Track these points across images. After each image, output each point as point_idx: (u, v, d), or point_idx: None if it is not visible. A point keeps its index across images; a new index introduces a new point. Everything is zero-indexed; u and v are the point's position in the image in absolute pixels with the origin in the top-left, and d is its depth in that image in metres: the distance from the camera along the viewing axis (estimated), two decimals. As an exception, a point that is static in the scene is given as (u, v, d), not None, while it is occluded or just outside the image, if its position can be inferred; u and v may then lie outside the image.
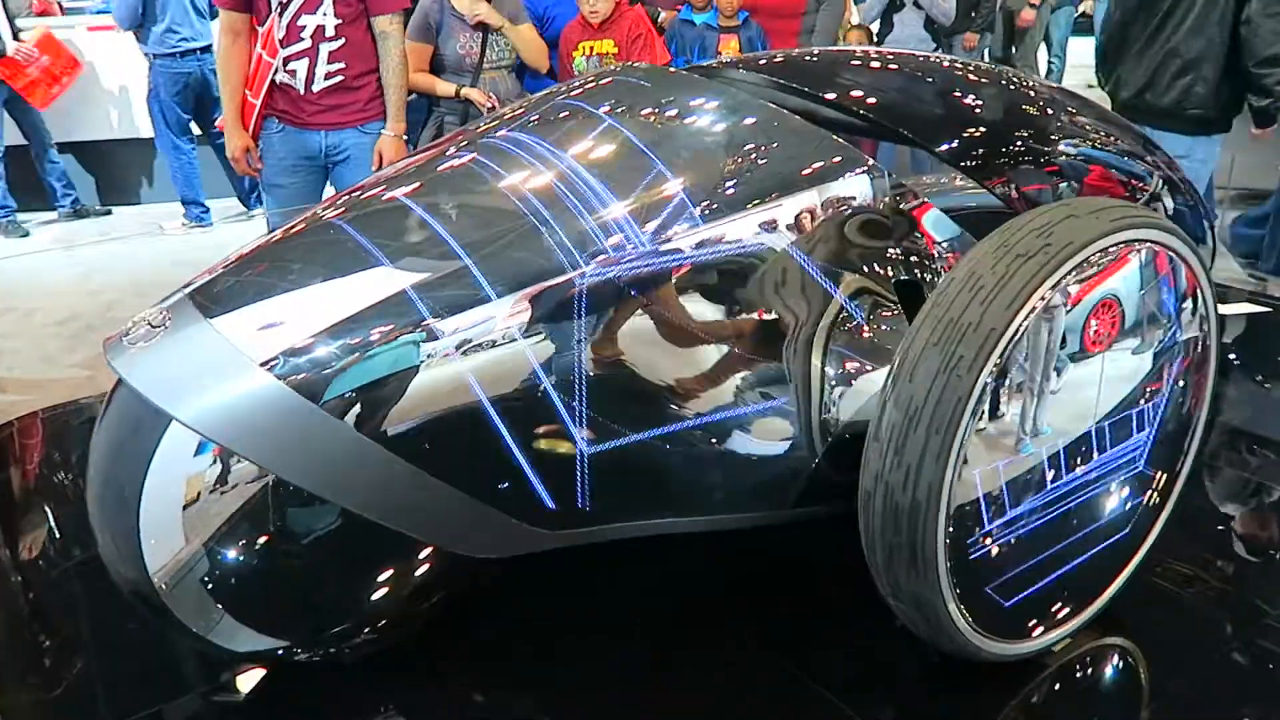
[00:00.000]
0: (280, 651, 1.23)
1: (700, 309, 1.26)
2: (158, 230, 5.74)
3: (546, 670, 1.35)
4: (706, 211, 1.27)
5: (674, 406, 1.25)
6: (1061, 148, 1.61)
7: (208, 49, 5.46)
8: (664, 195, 1.28)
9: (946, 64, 1.81)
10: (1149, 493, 1.41)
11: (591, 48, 3.77)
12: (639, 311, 1.22)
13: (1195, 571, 1.54)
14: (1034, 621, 1.31)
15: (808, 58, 1.86)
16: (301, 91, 2.89)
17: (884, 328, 1.33)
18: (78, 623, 1.49)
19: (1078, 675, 1.34)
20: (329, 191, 3.15)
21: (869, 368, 1.31)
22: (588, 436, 1.20)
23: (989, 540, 1.23)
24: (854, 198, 1.35)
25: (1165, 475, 1.43)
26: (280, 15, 2.81)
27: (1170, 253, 1.29)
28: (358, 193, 1.40)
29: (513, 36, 3.45)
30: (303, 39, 2.82)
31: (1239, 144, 3.60)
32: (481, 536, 1.22)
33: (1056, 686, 1.32)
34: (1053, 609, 1.34)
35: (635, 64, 1.65)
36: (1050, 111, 1.67)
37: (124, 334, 1.21)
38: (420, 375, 1.15)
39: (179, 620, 1.20)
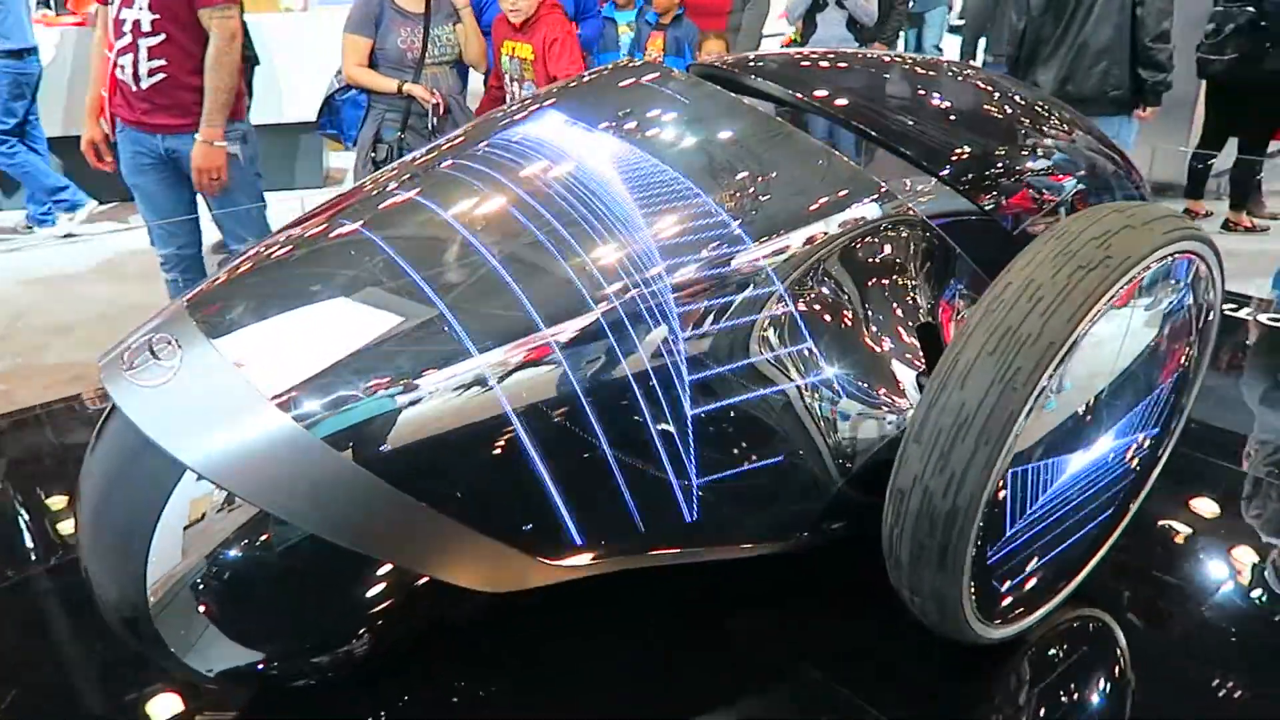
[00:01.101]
0: (260, 666, 1.17)
1: (719, 343, 1.23)
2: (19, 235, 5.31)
3: (542, 667, 1.35)
4: (733, 244, 1.25)
5: (693, 441, 1.22)
6: (1050, 156, 1.64)
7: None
8: (683, 225, 1.25)
9: (948, 73, 1.83)
10: (1135, 474, 1.47)
11: (514, 49, 3.72)
12: (659, 343, 1.19)
13: (1157, 547, 1.61)
14: (1025, 603, 1.35)
15: (808, 64, 1.84)
16: (133, 89, 2.77)
17: (902, 356, 1.34)
18: (32, 640, 1.44)
19: (1058, 646, 1.39)
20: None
21: (886, 395, 1.31)
22: (605, 472, 1.18)
23: (1008, 538, 1.25)
24: (871, 228, 1.35)
25: (1150, 459, 1.49)
26: (110, 8, 2.73)
27: (1204, 262, 1.34)
28: (382, 193, 1.33)
29: (468, 26, 3.38)
30: (125, 34, 2.72)
31: (1159, 135, 3.83)
32: (502, 574, 1.18)
33: (1040, 658, 1.37)
34: (1043, 589, 1.38)
35: (653, 66, 1.60)
36: (1040, 122, 1.70)
37: (122, 359, 1.12)
38: (434, 413, 1.10)
39: (169, 649, 1.13)
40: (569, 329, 1.15)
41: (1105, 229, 1.17)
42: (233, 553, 1.10)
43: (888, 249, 1.37)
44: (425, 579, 1.16)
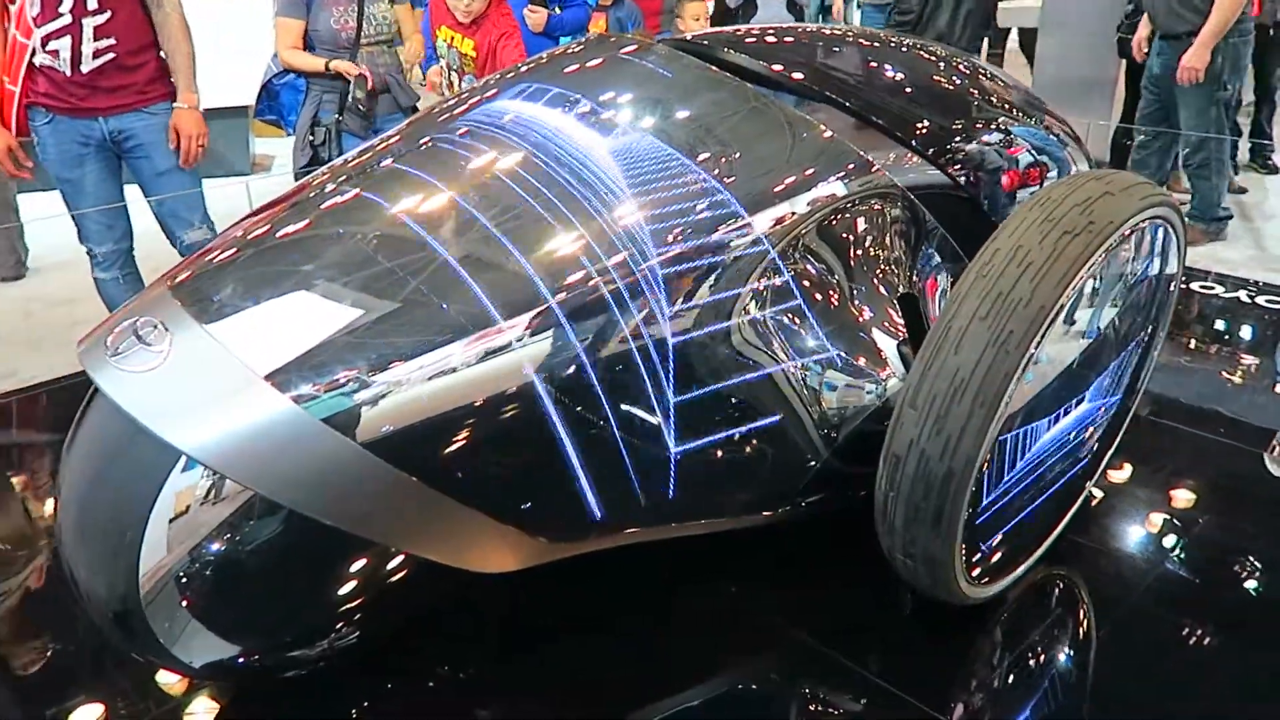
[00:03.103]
0: (248, 658, 1.15)
1: (706, 314, 1.23)
2: None
3: (532, 638, 1.36)
4: (717, 215, 1.25)
5: (687, 417, 1.22)
6: (1016, 126, 1.68)
7: None
8: (670, 197, 1.25)
9: (906, 47, 1.86)
10: (1100, 437, 1.52)
11: (453, 39, 3.63)
12: (653, 321, 1.19)
13: (1118, 508, 1.67)
14: (1005, 563, 1.39)
15: (781, 39, 1.84)
16: (68, 74, 2.60)
17: (883, 326, 1.36)
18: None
19: (1031, 605, 1.45)
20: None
21: (869, 365, 1.33)
22: (602, 450, 1.17)
23: (992, 500, 1.28)
24: (853, 201, 1.37)
25: (1116, 422, 1.54)
26: None
27: (1172, 228, 1.38)
28: (353, 172, 1.30)
29: (406, 16, 3.30)
30: (61, 14, 2.54)
31: (1083, 113, 4.04)
32: (501, 553, 1.17)
33: (1014, 617, 1.42)
34: (1019, 550, 1.42)
35: (632, 39, 1.59)
36: (1005, 96, 1.75)
37: (105, 345, 1.08)
38: (436, 393, 1.08)
39: (160, 642, 1.09)
40: (560, 303, 1.14)
41: (1086, 195, 1.21)
42: (225, 544, 1.07)
43: (868, 219, 1.39)
44: (412, 568, 1.14)
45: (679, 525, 1.30)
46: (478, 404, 1.10)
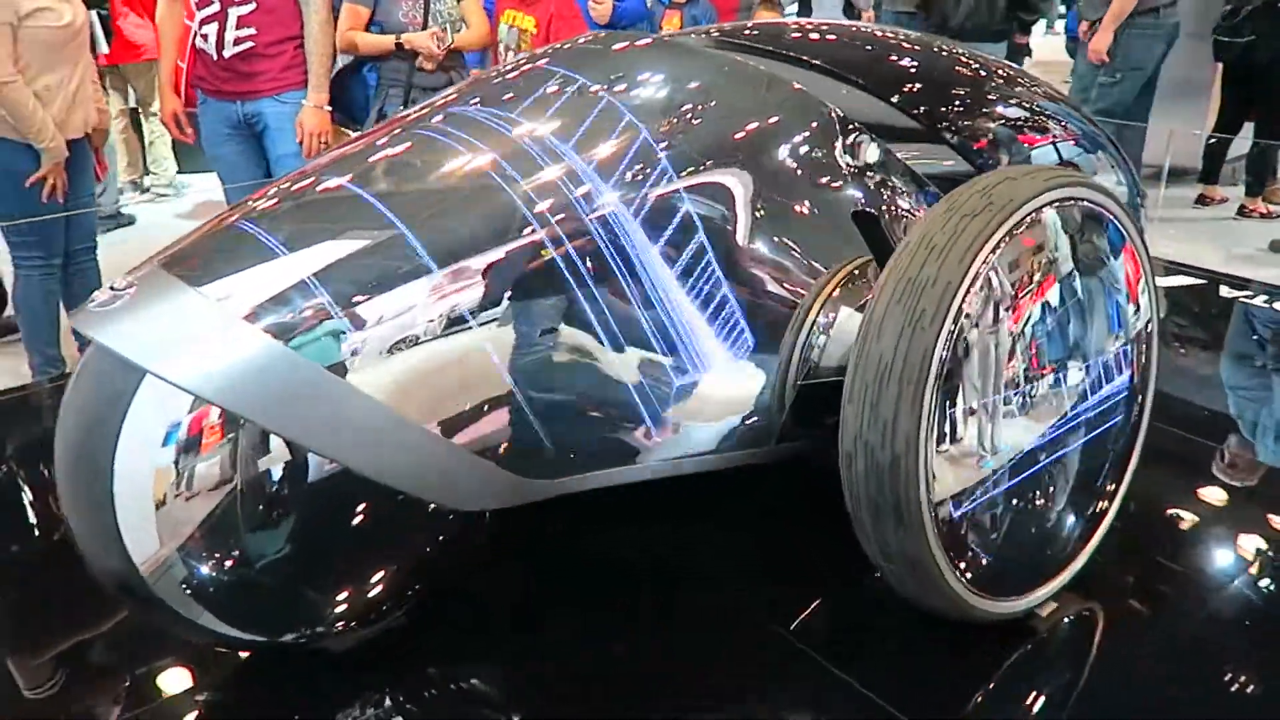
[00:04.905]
0: (254, 625, 1.19)
1: (673, 257, 1.28)
2: None
3: (519, 634, 1.38)
4: (673, 164, 1.31)
5: (659, 355, 1.28)
6: (1033, 115, 1.70)
7: None
8: (630, 148, 1.30)
9: (904, 39, 1.88)
10: (1121, 449, 1.47)
11: (515, 18, 3.73)
12: (625, 258, 1.24)
13: (1155, 532, 1.61)
14: (1020, 578, 1.35)
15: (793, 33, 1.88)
16: (214, 57, 2.84)
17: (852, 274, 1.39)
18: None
19: (1059, 638, 1.38)
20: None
21: (835, 312, 1.36)
22: (580, 386, 1.23)
23: (975, 495, 1.26)
24: (821, 148, 1.41)
25: (1132, 432, 1.49)
26: None
27: (1101, 209, 1.37)
28: (340, 155, 1.37)
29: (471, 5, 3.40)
30: (213, 2, 2.77)
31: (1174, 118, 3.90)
32: (477, 489, 1.22)
33: (1039, 648, 1.36)
34: (1039, 567, 1.38)
35: (602, 34, 1.65)
36: (1019, 86, 1.75)
37: (89, 302, 1.17)
38: (414, 325, 1.14)
39: (170, 608, 1.13)
40: (532, 250, 1.20)
41: (985, 184, 1.27)
42: (223, 518, 1.11)
43: (833, 163, 1.43)
44: (419, 537, 1.19)
45: (663, 463, 1.33)
46: (449, 337, 1.15)
